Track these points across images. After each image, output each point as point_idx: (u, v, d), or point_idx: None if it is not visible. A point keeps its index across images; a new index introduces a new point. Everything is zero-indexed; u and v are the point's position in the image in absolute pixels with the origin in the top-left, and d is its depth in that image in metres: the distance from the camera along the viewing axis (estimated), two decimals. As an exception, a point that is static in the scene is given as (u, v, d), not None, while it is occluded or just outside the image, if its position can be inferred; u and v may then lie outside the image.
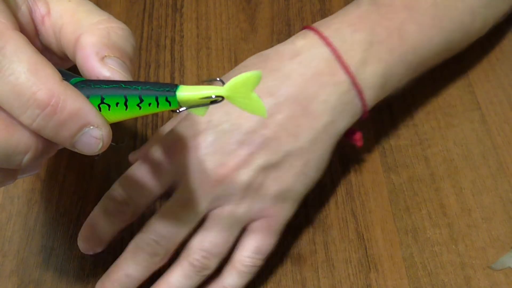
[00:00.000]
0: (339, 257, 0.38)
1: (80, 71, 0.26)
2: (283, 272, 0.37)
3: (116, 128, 0.25)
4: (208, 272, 0.34)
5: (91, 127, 0.24)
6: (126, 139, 0.42)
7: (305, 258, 0.38)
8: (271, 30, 0.49)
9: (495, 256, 0.38)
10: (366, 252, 0.38)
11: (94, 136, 0.24)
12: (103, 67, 0.25)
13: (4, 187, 0.41)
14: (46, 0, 0.27)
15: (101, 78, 0.25)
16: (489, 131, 0.43)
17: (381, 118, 0.44)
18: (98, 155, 0.25)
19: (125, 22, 0.48)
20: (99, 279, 0.36)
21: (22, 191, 0.41)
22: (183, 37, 0.48)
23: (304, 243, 0.39)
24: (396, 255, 0.38)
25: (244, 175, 0.34)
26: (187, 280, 0.34)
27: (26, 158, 0.24)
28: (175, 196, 0.35)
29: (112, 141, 0.26)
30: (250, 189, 0.34)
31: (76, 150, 0.25)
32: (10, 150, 0.23)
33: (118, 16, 0.49)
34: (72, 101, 0.23)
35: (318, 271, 0.37)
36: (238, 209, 0.34)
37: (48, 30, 0.27)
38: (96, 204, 0.35)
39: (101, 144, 0.24)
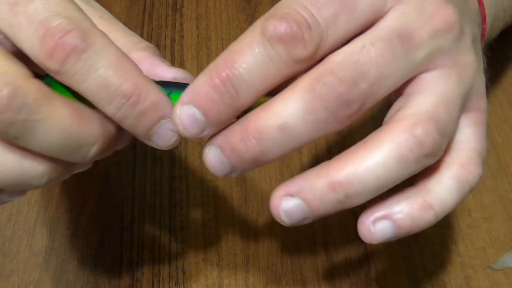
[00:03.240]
0: (339, 257, 0.38)
1: None
2: (283, 272, 0.37)
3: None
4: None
5: (168, 119, 0.25)
6: None
7: (305, 258, 0.38)
8: (271, 30, 0.49)
9: (495, 256, 0.38)
10: (366, 252, 0.38)
11: (170, 129, 0.25)
12: (177, 70, 0.27)
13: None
14: None
15: (177, 79, 0.27)
16: (489, 131, 0.43)
17: (381, 118, 0.44)
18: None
19: (125, 22, 0.49)
20: (99, 279, 0.37)
21: (22, 191, 0.41)
22: (183, 37, 0.48)
23: (304, 243, 0.39)
24: (396, 255, 0.38)
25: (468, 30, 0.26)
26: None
27: (93, 150, 0.25)
28: (384, 22, 0.24)
29: None
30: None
31: (151, 144, 0.26)
32: (80, 139, 0.24)
33: (118, 16, 0.49)
34: (153, 93, 0.24)
35: (318, 271, 0.37)
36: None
37: None
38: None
39: (175, 137, 0.25)
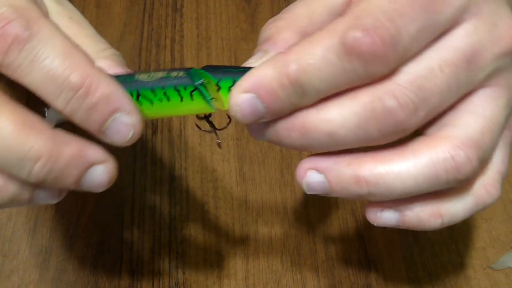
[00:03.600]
0: (339, 257, 0.38)
1: None
2: (283, 272, 0.37)
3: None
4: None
5: (122, 113, 0.23)
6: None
7: (305, 258, 0.38)
8: (271, 30, 0.49)
9: (495, 256, 0.38)
10: (366, 252, 0.38)
11: (125, 123, 0.23)
12: None
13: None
14: (46, 6, 0.27)
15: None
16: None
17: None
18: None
19: (125, 22, 0.49)
20: (99, 279, 0.37)
21: (22, 191, 0.41)
22: (183, 37, 0.48)
23: (304, 243, 0.39)
24: (396, 255, 0.38)
25: None
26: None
27: (37, 167, 0.22)
28: (454, 40, 0.23)
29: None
30: None
31: (107, 140, 0.24)
32: (21, 152, 0.22)
33: (118, 16, 0.49)
34: (105, 85, 0.23)
35: (318, 271, 0.37)
36: None
37: None
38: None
39: (132, 131, 0.24)
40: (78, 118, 0.23)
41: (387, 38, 0.21)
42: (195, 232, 0.39)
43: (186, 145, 0.43)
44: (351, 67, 0.21)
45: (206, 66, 0.25)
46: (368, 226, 0.39)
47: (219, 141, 0.28)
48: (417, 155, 0.23)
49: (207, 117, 0.27)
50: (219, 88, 0.25)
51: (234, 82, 0.24)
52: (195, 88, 0.25)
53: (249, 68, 0.24)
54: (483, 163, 0.24)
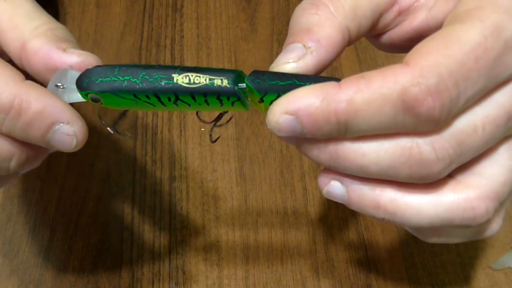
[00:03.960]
0: (339, 257, 0.38)
1: (40, 73, 0.25)
2: (283, 272, 0.37)
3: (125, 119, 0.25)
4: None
5: (61, 124, 0.23)
6: (128, 133, 0.41)
7: (305, 258, 0.38)
8: (271, 30, 0.49)
9: (495, 256, 0.38)
10: (366, 252, 0.38)
11: (66, 133, 0.23)
12: (72, 55, 0.25)
13: (4, 187, 0.41)
14: None
15: (72, 67, 0.24)
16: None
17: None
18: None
19: (125, 22, 0.49)
20: (99, 279, 0.37)
21: (22, 191, 0.41)
22: (183, 37, 0.48)
23: (304, 243, 0.39)
24: (396, 255, 0.38)
25: None
26: None
27: (13, 164, 0.23)
28: (502, 100, 0.23)
29: (115, 127, 0.25)
30: None
31: (53, 149, 0.24)
32: None
33: (118, 16, 0.49)
34: (36, 101, 0.22)
35: (318, 271, 0.37)
36: None
37: None
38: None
39: (75, 140, 0.24)
40: (18, 136, 0.23)
41: (446, 103, 0.20)
42: (194, 232, 0.39)
43: (186, 145, 0.43)
44: (402, 121, 0.21)
45: (252, 73, 0.24)
46: (368, 226, 0.39)
47: (211, 133, 0.27)
48: (441, 197, 0.23)
49: (223, 112, 0.26)
50: (262, 101, 0.24)
51: (278, 96, 0.23)
52: (238, 99, 0.24)
53: (295, 82, 0.23)
54: (497, 212, 0.24)
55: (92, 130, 0.43)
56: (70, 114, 0.23)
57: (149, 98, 0.24)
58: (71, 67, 0.24)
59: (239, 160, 0.42)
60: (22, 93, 0.22)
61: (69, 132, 0.23)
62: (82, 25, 0.48)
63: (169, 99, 0.24)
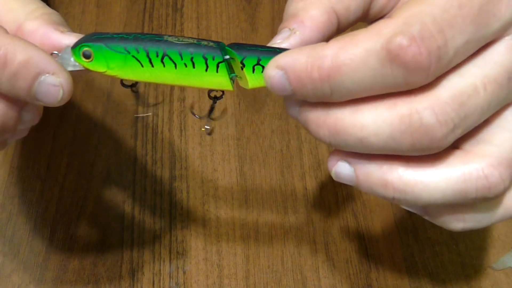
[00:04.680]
0: (340, 257, 0.38)
1: None
2: (284, 272, 0.37)
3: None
4: None
5: (47, 74, 0.23)
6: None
7: (306, 258, 0.38)
8: (271, 30, 0.49)
9: (496, 256, 0.38)
10: (367, 252, 0.38)
11: (52, 84, 0.23)
12: (70, 36, 0.25)
13: (4, 187, 0.41)
14: None
15: (69, 47, 0.25)
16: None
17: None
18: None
19: (125, 22, 0.49)
20: (99, 279, 0.36)
21: (22, 191, 0.41)
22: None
23: (305, 243, 0.39)
24: (397, 255, 0.38)
25: None
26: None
27: None
28: (496, 55, 0.22)
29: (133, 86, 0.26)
30: None
31: (40, 103, 0.24)
32: None
33: (118, 16, 0.49)
34: (22, 50, 0.23)
35: (318, 271, 0.37)
36: None
37: None
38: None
39: (61, 91, 0.24)
40: (4, 89, 0.23)
41: (433, 49, 0.20)
42: (195, 232, 0.39)
43: (186, 145, 0.43)
44: (390, 74, 0.21)
45: (232, 43, 0.25)
46: (368, 226, 0.39)
47: (207, 127, 0.28)
48: (450, 169, 0.22)
49: (216, 98, 0.27)
50: (243, 66, 0.24)
51: (258, 60, 0.24)
52: (223, 60, 0.24)
53: (274, 48, 0.24)
54: None
55: (92, 130, 0.43)
56: (55, 65, 0.24)
57: (138, 52, 0.24)
58: (69, 47, 0.25)
59: (240, 160, 0.42)
60: (8, 43, 0.23)
61: (55, 82, 0.23)
62: (82, 25, 0.48)
63: (157, 54, 0.24)
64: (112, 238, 0.38)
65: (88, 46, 0.24)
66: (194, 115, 0.28)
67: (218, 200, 0.40)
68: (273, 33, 0.53)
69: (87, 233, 0.39)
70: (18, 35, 0.25)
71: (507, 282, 0.37)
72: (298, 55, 0.22)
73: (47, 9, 0.26)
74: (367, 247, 0.38)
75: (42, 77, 0.23)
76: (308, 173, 0.42)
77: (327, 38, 0.24)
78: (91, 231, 0.39)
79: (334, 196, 0.41)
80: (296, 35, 0.24)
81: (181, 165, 0.42)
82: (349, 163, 0.24)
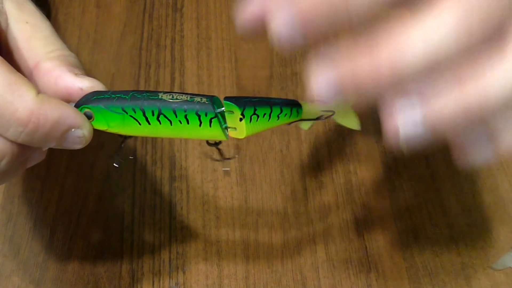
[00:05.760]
0: (340, 257, 0.38)
1: (48, 91, 0.27)
2: (284, 272, 0.37)
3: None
4: None
5: (73, 130, 0.25)
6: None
7: (306, 258, 0.38)
8: (271, 30, 0.49)
9: (496, 256, 0.38)
10: (367, 252, 0.38)
11: (78, 136, 0.25)
12: (83, 79, 0.27)
13: (4, 187, 0.41)
14: (6, 13, 0.27)
15: (82, 90, 0.26)
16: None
17: (382, 118, 0.44)
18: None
19: (125, 22, 0.49)
20: (99, 279, 0.37)
21: (22, 191, 0.41)
22: (183, 37, 0.48)
23: (305, 243, 0.39)
24: (397, 255, 0.38)
25: None
26: None
27: (3, 163, 0.24)
28: None
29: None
30: None
31: (63, 148, 0.26)
32: (8, 115, 0.23)
33: (118, 16, 0.49)
34: (51, 112, 0.24)
35: (318, 271, 0.37)
36: None
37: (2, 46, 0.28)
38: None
39: (84, 140, 0.26)
40: (35, 145, 0.25)
41: None
42: (194, 232, 0.39)
43: (186, 145, 0.43)
44: None
45: (227, 97, 0.26)
46: (368, 226, 0.39)
47: (227, 169, 0.30)
48: None
49: (217, 144, 0.29)
50: (243, 117, 0.26)
51: (254, 110, 0.26)
52: (215, 116, 0.26)
53: (264, 98, 0.27)
54: None
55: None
56: (80, 119, 0.25)
57: (135, 112, 0.26)
58: (82, 90, 0.26)
59: (239, 160, 0.42)
60: (39, 107, 0.24)
61: (80, 135, 0.25)
62: (82, 25, 0.48)
63: (153, 113, 0.26)
64: (112, 238, 0.38)
65: (88, 107, 0.26)
66: (217, 160, 0.31)
67: (218, 200, 0.40)
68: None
69: (87, 233, 0.39)
70: (34, 73, 0.26)
71: (507, 282, 0.37)
72: None
73: (66, 51, 0.28)
74: (367, 247, 0.38)
75: (71, 132, 0.25)
76: (308, 173, 0.42)
77: None
78: (91, 231, 0.39)
79: (334, 196, 0.41)
80: None
81: (181, 165, 0.42)
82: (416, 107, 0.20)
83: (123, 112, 0.26)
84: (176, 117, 0.26)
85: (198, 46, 0.48)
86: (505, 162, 0.42)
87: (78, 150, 0.26)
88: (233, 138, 0.27)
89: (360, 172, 0.42)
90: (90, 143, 0.26)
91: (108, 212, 0.40)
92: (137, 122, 0.26)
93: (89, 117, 0.26)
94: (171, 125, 0.26)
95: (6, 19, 0.27)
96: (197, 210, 0.40)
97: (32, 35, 0.27)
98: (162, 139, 0.43)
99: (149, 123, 0.26)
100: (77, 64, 0.28)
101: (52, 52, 0.27)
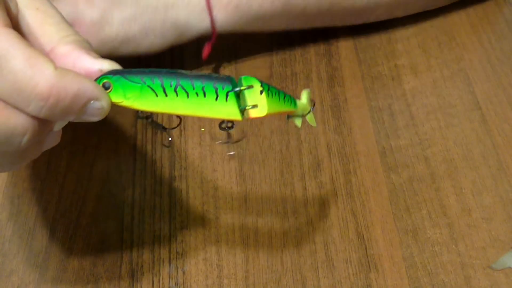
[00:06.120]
0: (339, 257, 0.38)
1: None
2: (283, 271, 0.37)
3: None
4: None
5: (93, 101, 0.25)
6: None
7: (305, 258, 0.38)
8: (271, 30, 0.49)
9: (495, 256, 0.38)
10: (366, 252, 0.38)
11: (97, 108, 0.26)
12: (103, 61, 0.27)
13: (4, 187, 0.41)
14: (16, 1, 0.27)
15: (101, 71, 0.26)
16: (489, 131, 0.43)
17: (381, 118, 0.44)
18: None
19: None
20: (99, 279, 0.37)
21: (22, 191, 0.41)
22: (183, 37, 0.48)
23: (304, 243, 0.39)
24: (396, 255, 0.38)
25: None
26: None
27: (25, 139, 0.25)
28: None
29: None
30: None
31: (82, 121, 0.26)
32: (8, 133, 0.24)
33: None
34: (71, 85, 0.24)
35: (318, 271, 0.37)
36: None
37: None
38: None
39: (103, 112, 0.26)
40: (55, 118, 0.25)
41: None
42: (194, 232, 0.39)
43: (186, 145, 0.43)
44: None
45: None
46: (368, 226, 0.39)
47: (232, 153, 0.30)
48: None
49: (229, 128, 0.29)
50: (263, 91, 0.27)
51: (269, 87, 0.27)
52: (232, 90, 0.26)
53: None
54: None
55: (92, 130, 0.43)
56: (99, 91, 0.25)
57: (153, 82, 0.26)
58: (101, 71, 0.26)
59: (239, 160, 0.42)
60: (59, 80, 0.24)
61: (99, 106, 0.26)
62: (82, 25, 0.48)
63: (171, 84, 0.26)
64: (112, 238, 0.38)
65: (108, 78, 0.26)
66: (225, 142, 0.32)
67: (218, 200, 0.40)
68: (273, 33, 0.53)
69: (87, 233, 0.39)
70: (50, 56, 0.26)
71: (507, 282, 0.37)
72: None
73: (79, 37, 0.28)
74: (367, 247, 0.38)
75: (90, 104, 0.25)
76: (308, 173, 0.42)
77: None
78: (91, 231, 0.39)
79: (333, 196, 0.41)
80: None
81: (181, 165, 0.42)
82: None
83: (142, 82, 0.26)
84: (194, 89, 0.26)
85: (198, 46, 0.48)
86: (505, 162, 0.42)
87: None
88: (249, 119, 0.28)
89: (360, 172, 0.42)
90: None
91: (108, 212, 0.40)
92: (154, 94, 0.26)
93: (107, 87, 0.26)
94: (188, 97, 0.26)
95: (16, 4, 0.27)
96: (197, 210, 0.40)
97: (44, 21, 0.27)
98: (162, 138, 0.43)
99: (166, 95, 0.26)
100: (91, 48, 0.28)
101: (67, 37, 0.27)
